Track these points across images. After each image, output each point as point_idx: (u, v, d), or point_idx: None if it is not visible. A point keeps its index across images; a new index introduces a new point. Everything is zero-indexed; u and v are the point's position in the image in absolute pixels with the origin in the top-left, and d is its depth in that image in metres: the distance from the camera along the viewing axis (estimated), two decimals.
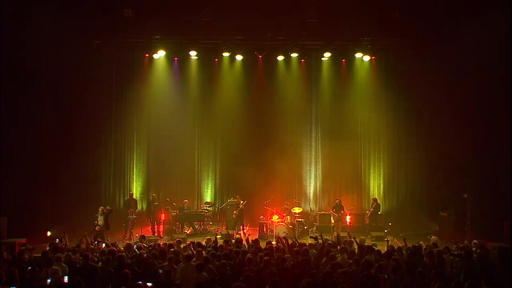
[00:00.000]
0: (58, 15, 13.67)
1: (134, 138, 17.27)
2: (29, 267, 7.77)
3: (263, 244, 10.22)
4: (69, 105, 15.40)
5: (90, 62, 15.80)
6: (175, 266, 7.82)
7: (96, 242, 10.20)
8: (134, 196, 15.49)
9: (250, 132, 17.04)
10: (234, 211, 14.88)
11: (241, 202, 14.91)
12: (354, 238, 10.23)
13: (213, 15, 13.89)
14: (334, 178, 17.20)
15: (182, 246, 9.73)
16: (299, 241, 10.21)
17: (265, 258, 7.86)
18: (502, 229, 12.17)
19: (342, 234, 13.41)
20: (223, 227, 15.40)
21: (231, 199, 15.57)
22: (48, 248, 9.42)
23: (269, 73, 17.14)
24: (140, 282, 6.75)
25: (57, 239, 10.44)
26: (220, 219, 16.36)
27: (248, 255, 8.17)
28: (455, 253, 9.23)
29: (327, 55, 16.61)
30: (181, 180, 17.22)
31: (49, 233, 13.89)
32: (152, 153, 17.27)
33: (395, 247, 9.54)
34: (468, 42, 14.55)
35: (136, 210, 14.79)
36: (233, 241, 10.22)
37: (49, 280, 7.27)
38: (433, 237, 10.54)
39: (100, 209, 12.95)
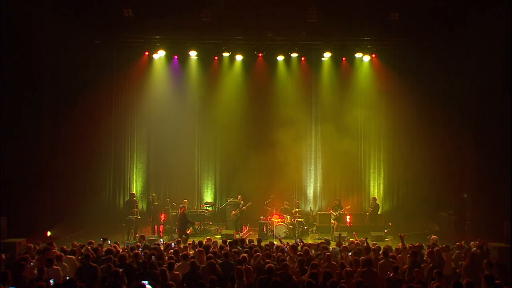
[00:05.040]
0: (58, 15, 13.66)
1: (134, 138, 17.24)
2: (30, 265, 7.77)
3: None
4: (69, 105, 15.38)
5: (90, 62, 15.81)
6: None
7: (101, 240, 10.14)
8: (134, 197, 15.43)
9: (250, 132, 17.05)
10: (233, 211, 14.86)
11: (242, 202, 14.88)
12: (355, 236, 10.25)
13: (213, 15, 13.89)
14: (334, 178, 17.20)
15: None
16: (303, 241, 10.20)
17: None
18: (502, 229, 12.16)
19: (343, 234, 13.45)
20: (223, 227, 15.41)
21: (231, 199, 15.57)
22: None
23: (269, 73, 17.13)
24: (146, 282, 6.78)
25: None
26: (220, 219, 16.37)
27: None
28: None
29: (327, 55, 16.61)
30: (181, 180, 17.20)
31: (49, 233, 13.89)
32: (152, 153, 17.25)
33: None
34: (469, 42, 14.56)
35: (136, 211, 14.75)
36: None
37: (52, 281, 7.25)
38: (433, 236, 10.56)
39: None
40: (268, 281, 6.81)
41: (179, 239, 10.87)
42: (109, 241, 10.08)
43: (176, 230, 13.37)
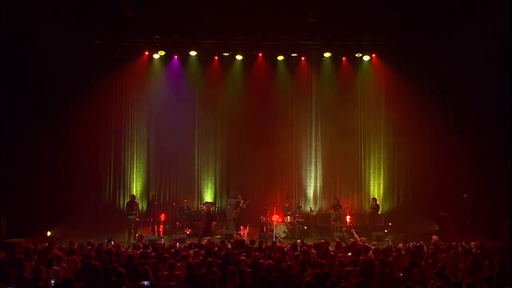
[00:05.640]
0: (58, 15, 13.65)
1: (134, 138, 17.22)
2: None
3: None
4: (69, 105, 15.37)
5: (90, 62, 15.81)
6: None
7: (106, 240, 10.13)
8: (135, 199, 15.42)
9: (250, 132, 17.03)
10: (234, 211, 14.86)
11: (242, 201, 14.88)
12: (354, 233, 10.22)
13: (213, 15, 13.89)
14: (334, 178, 17.20)
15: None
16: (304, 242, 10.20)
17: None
18: (502, 229, 12.17)
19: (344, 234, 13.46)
20: (223, 227, 15.40)
21: (231, 199, 15.56)
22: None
23: (269, 73, 17.13)
24: (146, 282, 6.78)
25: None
26: (220, 219, 16.37)
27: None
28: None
29: (327, 55, 16.60)
30: (181, 180, 17.20)
31: (49, 233, 13.89)
32: (152, 153, 17.24)
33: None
34: (468, 42, 14.54)
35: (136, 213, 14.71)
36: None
37: (53, 281, 7.24)
38: (433, 236, 10.56)
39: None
40: (264, 280, 6.82)
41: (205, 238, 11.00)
42: (112, 242, 10.07)
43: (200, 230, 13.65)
